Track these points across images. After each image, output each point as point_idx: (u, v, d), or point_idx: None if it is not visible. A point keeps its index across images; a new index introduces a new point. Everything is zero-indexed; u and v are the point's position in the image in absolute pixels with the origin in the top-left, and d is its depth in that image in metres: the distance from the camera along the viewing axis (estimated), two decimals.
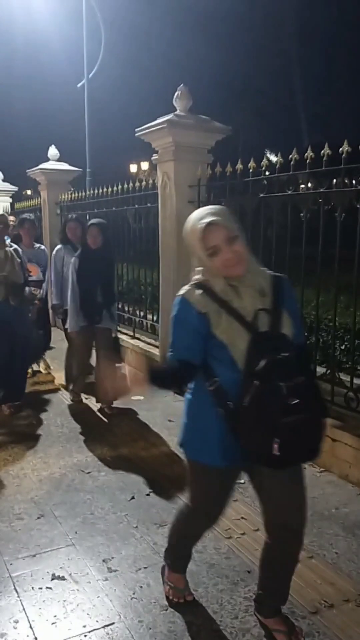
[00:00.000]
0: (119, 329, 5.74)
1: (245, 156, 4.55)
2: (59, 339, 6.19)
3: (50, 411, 4.85)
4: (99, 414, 4.72)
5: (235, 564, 2.63)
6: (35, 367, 5.80)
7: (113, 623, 2.26)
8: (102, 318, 4.74)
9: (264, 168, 4.28)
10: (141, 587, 2.48)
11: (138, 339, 6.16)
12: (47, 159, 8.54)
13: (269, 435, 1.76)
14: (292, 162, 3.98)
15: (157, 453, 3.96)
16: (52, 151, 8.50)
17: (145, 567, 2.62)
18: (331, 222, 3.78)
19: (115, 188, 6.52)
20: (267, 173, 4.29)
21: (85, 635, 2.20)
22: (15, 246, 4.84)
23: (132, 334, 6.30)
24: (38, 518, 3.08)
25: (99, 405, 4.89)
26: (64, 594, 2.44)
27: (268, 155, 4.31)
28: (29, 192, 15.05)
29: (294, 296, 2.08)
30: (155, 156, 5.42)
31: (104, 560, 2.68)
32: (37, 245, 5.87)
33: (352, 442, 3.47)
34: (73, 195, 8.01)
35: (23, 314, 4.85)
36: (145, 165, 24.50)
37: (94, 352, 4.99)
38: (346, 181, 3.69)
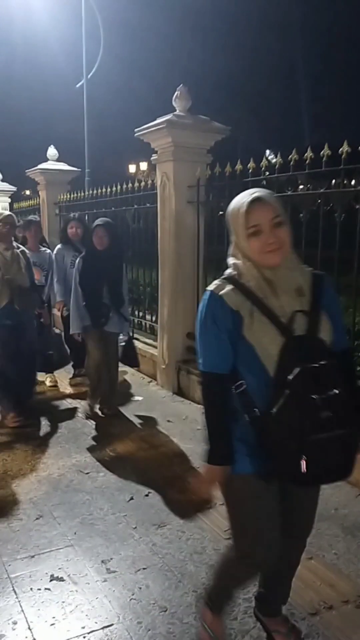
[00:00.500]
0: None
1: (245, 157, 4.55)
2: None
3: (48, 412, 4.84)
4: (98, 413, 4.71)
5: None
6: (40, 378, 5.42)
7: (112, 624, 2.25)
8: (109, 321, 4.56)
9: (263, 168, 4.28)
10: (140, 588, 2.47)
11: (137, 339, 6.15)
12: (46, 159, 8.54)
13: (296, 451, 1.62)
14: (291, 163, 3.98)
15: (156, 454, 3.95)
16: (51, 151, 8.50)
17: (144, 568, 2.61)
18: (331, 223, 3.78)
19: (114, 188, 6.52)
20: (266, 173, 4.29)
21: (84, 637, 2.19)
22: (22, 248, 4.71)
23: (130, 334, 6.28)
24: (37, 519, 3.07)
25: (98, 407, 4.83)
26: (62, 595, 2.44)
27: (268, 155, 4.30)
28: (27, 192, 15.04)
29: (335, 297, 1.88)
30: (154, 156, 5.42)
31: (102, 561, 2.67)
32: (43, 248, 5.67)
33: None
34: (72, 195, 8.01)
35: (28, 319, 4.63)
36: (144, 166, 24.51)
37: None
38: (345, 182, 3.69)
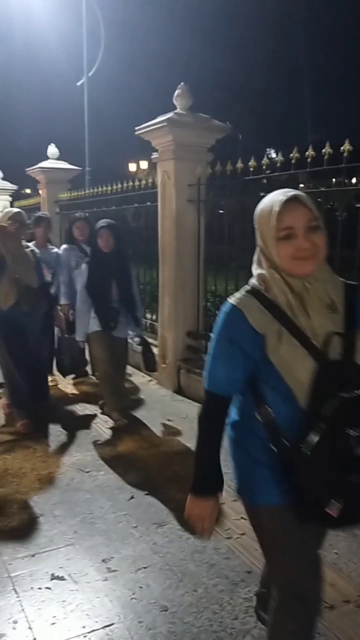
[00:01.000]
0: None
1: (246, 155, 4.54)
2: None
3: (49, 410, 4.83)
4: (98, 413, 4.70)
5: (235, 565, 2.62)
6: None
7: (113, 624, 2.24)
8: (119, 325, 4.38)
9: (264, 167, 4.27)
10: (141, 587, 2.47)
11: None
12: (47, 158, 8.53)
13: (327, 491, 1.46)
14: (292, 161, 3.97)
15: (156, 452, 3.94)
16: (52, 150, 8.49)
17: (144, 567, 2.61)
18: (331, 221, 3.77)
19: (114, 187, 6.51)
20: (267, 172, 4.28)
21: (84, 636, 2.18)
22: (31, 247, 4.55)
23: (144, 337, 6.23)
24: (37, 517, 3.07)
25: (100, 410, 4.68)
26: (63, 594, 2.43)
27: (270, 154, 4.29)
28: (28, 190, 15.04)
29: None
30: (155, 155, 5.41)
31: (103, 560, 2.67)
32: (51, 246, 5.52)
33: None
34: (72, 194, 8.00)
35: (35, 321, 4.46)
36: (144, 165, 24.47)
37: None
38: (347, 180, 3.68)
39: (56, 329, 5.24)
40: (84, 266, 4.46)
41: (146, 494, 3.32)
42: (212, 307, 5.73)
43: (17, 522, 3.02)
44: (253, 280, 1.61)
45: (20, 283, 4.22)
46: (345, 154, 3.59)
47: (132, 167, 25.58)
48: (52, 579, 2.53)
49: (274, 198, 1.56)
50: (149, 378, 5.70)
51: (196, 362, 5.21)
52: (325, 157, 3.70)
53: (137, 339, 4.72)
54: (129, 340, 4.77)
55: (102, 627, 2.22)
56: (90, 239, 4.74)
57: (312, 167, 3.86)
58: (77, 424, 4.50)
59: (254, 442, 1.61)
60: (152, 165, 5.69)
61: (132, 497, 3.28)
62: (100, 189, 6.92)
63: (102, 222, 4.42)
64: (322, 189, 3.83)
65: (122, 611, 2.31)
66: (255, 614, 2.25)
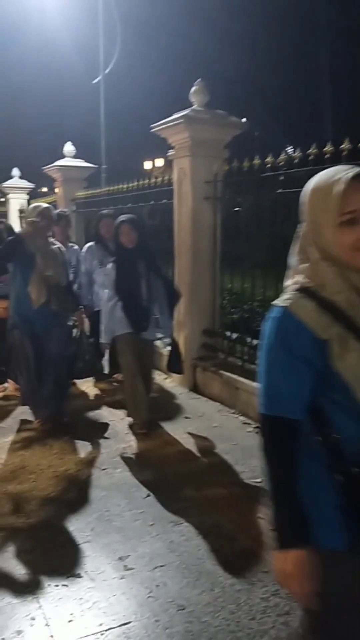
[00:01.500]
0: None
1: (263, 152, 4.50)
2: None
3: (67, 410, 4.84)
4: (112, 411, 4.71)
5: (252, 564, 2.60)
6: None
7: (129, 622, 2.24)
8: (150, 325, 4.18)
9: (281, 163, 4.23)
10: (157, 585, 2.46)
11: None
12: (63, 156, 8.56)
13: None
14: (310, 157, 3.93)
15: (172, 450, 3.94)
16: (68, 148, 8.51)
17: (161, 566, 2.60)
18: None
19: (130, 184, 6.51)
20: (285, 168, 4.24)
21: (101, 634, 2.18)
22: (58, 244, 4.41)
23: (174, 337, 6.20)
24: (54, 514, 3.07)
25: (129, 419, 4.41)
26: (80, 591, 2.43)
27: (288, 150, 4.24)
28: (45, 189, 15.12)
29: None
30: (171, 152, 5.39)
31: (120, 558, 2.67)
32: (71, 244, 5.42)
33: None
34: (88, 192, 8.03)
35: (62, 321, 4.35)
36: (159, 162, 24.46)
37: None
38: None
39: (74, 331, 5.01)
40: (110, 264, 4.29)
41: (162, 492, 3.31)
42: (228, 305, 5.71)
43: (34, 519, 3.03)
44: (298, 277, 1.36)
45: (49, 281, 4.12)
46: None
47: (148, 165, 25.59)
48: (69, 577, 2.53)
49: (335, 175, 1.30)
50: (165, 376, 5.69)
51: (212, 360, 5.19)
52: (344, 153, 3.66)
53: (166, 340, 4.49)
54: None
55: (119, 626, 2.22)
56: (114, 237, 4.54)
57: (331, 163, 3.81)
58: (93, 422, 4.51)
59: (314, 471, 1.34)
60: (168, 163, 5.68)
61: (148, 495, 3.28)
62: (116, 187, 6.92)
63: (121, 217, 4.26)
64: None
65: (138, 609, 2.31)
66: None
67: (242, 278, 5.08)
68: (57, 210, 5.70)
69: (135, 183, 6.38)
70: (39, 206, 4.22)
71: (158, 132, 5.29)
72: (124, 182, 6.69)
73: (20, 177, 11.94)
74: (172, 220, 5.52)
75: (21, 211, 11.70)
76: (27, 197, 12.05)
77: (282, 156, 4.22)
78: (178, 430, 4.29)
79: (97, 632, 2.19)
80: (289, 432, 1.31)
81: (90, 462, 3.75)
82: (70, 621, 2.26)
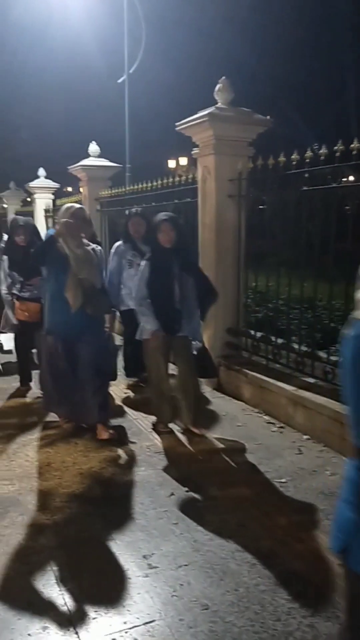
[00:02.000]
0: None
1: (288, 150, 4.45)
2: None
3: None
4: (136, 409, 4.72)
5: (277, 565, 2.58)
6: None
7: (153, 620, 2.24)
8: (182, 327, 4.08)
9: (307, 160, 4.18)
10: (181, 585, 2.46)
11: None
12: (88, 156, 8.61)
13: None
14: (337, 154, 3.87)
15: (196, 449, 3.93)
16: (93, 147, 8.57)
17: (185, 565, 2.59)
18: None
19: (154, 183, 6.51)
20: (310, 166, 4.19)
21: (125, 632, 2.19)
22: (93, 245, 4.23)
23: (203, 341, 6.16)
24: (79, 512, 3.10)
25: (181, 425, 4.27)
26: (104, 589, 2.44)
27: (314, 147, 4.18)
28: (69, 188, 15.24)
29: None
30: (195, 150, 5.38)
31: (144, 556, 2.67)
32: (93, 245, 5.52)
33: None
34: (113, 191, 8.06)
35: (98, 325, 4.23)
36: (183, 161, 24.46)
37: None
38: None
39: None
40: (143, 263, 4.16)
41: (186, 491, 3.31)
42: (252, 303, 5.68)
43: (60, 516, 3.05)
44: None
45: (84, 283, 4.00)
46: None
47: (172, 163, 25.62)
48: (93, 574, 2.54)
49: None
50: None
51: (236, 359, 5.17)
52: None
53: (196, 345, 4.27)
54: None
55: (143, 624, 2.22)
56: (149, 235, 4.44)
57: (357, 160, 3.75)
58: (118, 420, 4.53)
59: None
60: (192, 162, 5.67)
61: (172, 494, 3.28)
62: (140, 186, 6.94)
63: (162, 215, 4.10)
64: None
65: (162, 608, 2.31)
66: None
67: (267, 276, 5.04)
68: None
69: (159, 182, 6.39)
70: (71, 207, 4.09)
71: (182, 130, 5.29)
72: (148, 180, 6.70)
73: (45, 177, 12.06)
74: (196, 219, 5.51)
75: (47, 211, 11.83)
76: (52, 197, 12.16)
77: (308, 153, 4.17)
78: (202, 429, 4.28)
79: (122, 630, 2.20)
80: None
81: (114, 460, 3.77)
82: (94, 618, 2.27)
